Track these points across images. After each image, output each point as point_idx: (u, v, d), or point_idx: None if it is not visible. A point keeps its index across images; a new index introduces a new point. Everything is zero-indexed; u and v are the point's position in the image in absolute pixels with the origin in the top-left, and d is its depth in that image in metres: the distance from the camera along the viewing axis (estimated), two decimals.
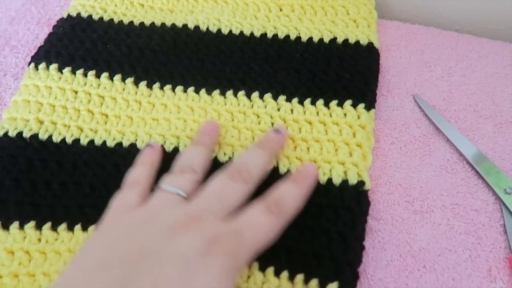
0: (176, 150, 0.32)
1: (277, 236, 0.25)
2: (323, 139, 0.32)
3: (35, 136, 0.33)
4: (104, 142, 0.33)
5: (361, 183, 0.29)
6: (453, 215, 0.30)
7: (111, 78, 0.36)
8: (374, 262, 0.28)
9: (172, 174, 0.28)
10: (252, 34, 0.37)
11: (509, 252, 0.28)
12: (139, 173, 0.29)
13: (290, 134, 0.32)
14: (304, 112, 0.33)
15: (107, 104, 0.34)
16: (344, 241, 0.27)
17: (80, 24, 0.39)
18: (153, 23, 0.39)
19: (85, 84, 0.35)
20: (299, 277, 0.26)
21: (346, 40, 0.36)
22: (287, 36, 0.37)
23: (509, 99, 0.35)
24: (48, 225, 0.29)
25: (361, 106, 0.33)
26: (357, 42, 0.36)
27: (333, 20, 0.38)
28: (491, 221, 0.30)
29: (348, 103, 0.33)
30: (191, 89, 0.35)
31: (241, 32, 0.37)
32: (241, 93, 0.34)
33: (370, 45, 0.36)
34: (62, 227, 0.29)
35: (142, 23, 0.39)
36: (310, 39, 0.37)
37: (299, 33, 0.37)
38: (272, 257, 0.27)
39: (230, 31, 0.38)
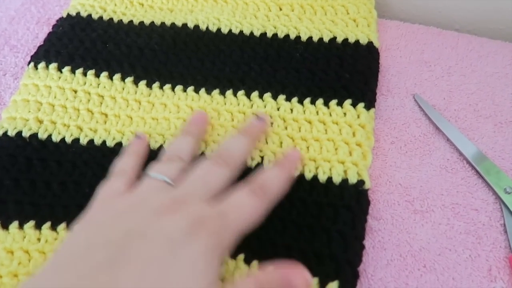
0: None
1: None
2: (322, 138, 0.31)
3: (34, 136, 0.33)
4: (104, 142, 0.33)
5: (361, 182, 0.29)
6: (453, 214, 0.30)
7: (110, 77, 0.36)
8: (374, 262, 0.28)
9: (160, 162, 0.29)
10: (251, 33, 0.37)
11: (509, 252, 0.28)
12: (125, 162, 0.30)
13: (289, 133, 0.32)
14: (304, 112, 0.33)
15: (106, 104, 0.34)
16: (344, 240, 0.27)
17: (80, 24, 0.39)
18: (152, 22, 0.39)
19: (85, 83, 0.35)
20: None
21: (345, 40, 0.36)
22: (287, 36, 0.37)
23: (509, 98, 0.35)
24: (47, 224, 0.29)
25: (360, 105, 0.33)
26: (357, 42, 0.36)
27: (332, 19, 0.38)
28: (491, 220, 0.30)
29: (347, 102, 0.33)
30: (190, 89, 0.35)
31: (241, 32, 0.37)
32: (240, 93, 0.34)
33: (370, 44, 0.36)
34: (62, 226, 0.29)
35: (141, 23, 0.39)
36: (310, 38, 0.37)
37: (298, 33, 0.37)
38: (271, 255, 0.27)
39: (230, 31, 0.38)
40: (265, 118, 0.32)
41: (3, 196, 0.30)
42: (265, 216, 0.26)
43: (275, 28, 0.37)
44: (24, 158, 0.32)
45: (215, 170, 0.27)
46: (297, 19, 0.38)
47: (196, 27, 0.38)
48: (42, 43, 0.38)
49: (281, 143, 0.32)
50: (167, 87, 0.35)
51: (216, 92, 0.34)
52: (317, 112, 0.33)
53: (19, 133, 0.33)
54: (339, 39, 0.36)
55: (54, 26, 0.39)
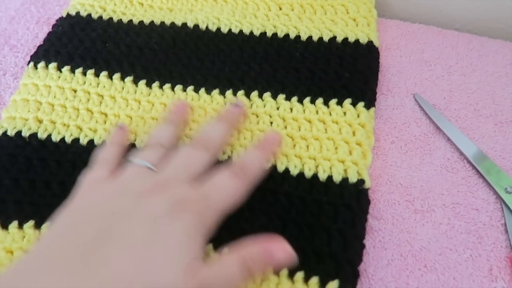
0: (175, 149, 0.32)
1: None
2: (322, 138, 0.31)
3: (34, 135, 0.33)
4: (104, 142, 0.32)
5: (361, 181, 0.29)
6: (453, 214, 0.30)
7: (110, 77, 0.36)
8: (375, 262, 0.28)
9: (141, 150, 0.30)
10: (251, 33, 0.37)
11: (510, 251, 0.28)
12: (107, 152, 0.30)
13: (289, 132, 0.32)
14: (304, 111, 0.33)
15: (106, 103, 0.34)
16: (344, 239, 0.27)
17: (79, 23, 0.39)
18: (152, 22, 0.39)
19: (84, 83, 0.35)
20: (299, 275, 0.26)
21: (345, 39, 0.36)
22: (287, 35, 0.37)
23: (510, 98, 0.35)
24: (47, 224, 0.29)
25: (360, 104, 0.32)
26: (357, 41, 0.36)
27: (332, 19, 0.38)
28: (492, 220, 0.29)
29: (347, 101, 0.33)
30: (190, 88, 0.35)
31: (241, 31, 0.37)
32: (240, 93, 0.34)
33: (370, 43, 0.36)
34: None
35: (141, 22, 0.39)
36: (310, 38, 0.36)
37: (298, 32, 0.37)
38: None
39: (230, 30, 0.37)
40: (242, 105, 0.33)
41: (2, 196, 0.30)
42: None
43: (274, 27, 0.37)
44: (24, 158, 0.32)
45: (195, 154, 0.28)
46: (297, 19, 0.38)
47: (196, 26, 0.38)
48: (41, 43, 0.38)
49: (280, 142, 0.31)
50: (167, 86, 0.35)
51: (216, 92, 0.34)
52: (317, 112, 0.33)
53: (18, 133, 0.33)
54: (339, 39, 0.36)
55: (54, 26, 0.39)
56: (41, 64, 0.36)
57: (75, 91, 0.35)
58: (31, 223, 0.29)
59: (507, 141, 0.33)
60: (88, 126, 0.33)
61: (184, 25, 0.38)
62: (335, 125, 0.32)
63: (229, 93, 0.34)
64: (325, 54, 0.35)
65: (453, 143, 0.32)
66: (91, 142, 0.33)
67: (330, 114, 0.32)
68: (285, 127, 0.32)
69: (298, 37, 0.37)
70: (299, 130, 0.32)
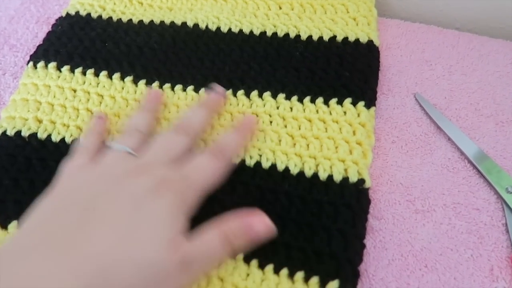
0: None
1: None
2: (322, 137, 0.31)
3: (34, 135, 0.33)
4: (103, 142, 0.32)
5: (361, 181, 0.29)
6: (454, 214, 0.30)
7: (110, 76, 0.35)
8: (376, 262, 0.28)
9: (120, 137, 0.30)
10: (251, 32, 0.37)
11: (511, 251, 0.28)
12: (87, 140, 0.31)
13: (289, 131, 0.32)
14: (304, 110, 0.33)
15: (106, 103, 0.34)
16: (344, 239, 0.27)
17: (79, 23, 0.39)
18: (152, 21, 0.39)
19: (84, 82, 0.35)
20: (299, 275, 0.26)
21: (345, 38, 0.36)
22: (287, 34, 0.37)
23: (510, 97, 0.35)
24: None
25: (361, 104, 0.32)
26: (357, 40, 0.36)
27: (332, 18, 0.38)
28: (492, 220, 0.29)
29: (348, 101, 0.33)
30: (190, 88, 0.34)
31: (240, 30, 0.37)
32: (240, 92, 0.34)
33: (370, 43, 0.36)
34: None
35: (141, 21, 0.39)
36: (310, 37, 0.36)
37: (298, 31, 0.37)
38: (271, 254, 0.26)
39: (229, 29, 0.37)
40: (222, 91, 0.33)
41: (2, 196, 0.30)
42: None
43: (274, 27, 0.37)
44: (23, 157, 0.32)
45: (175, 138, 0.29)
46: (296, 18, 0.38)
47: (196, 26, 0.38)
48: (41, 42, 0.38)
49: (280, 141, 0.31)
50: (167, 86, 0.35)
51: None
52: (317, 111, 0.33)
53: (18, 133, 0.33)
54: (339, 38, 0.36)
55: (53, 25, 0.39)
56: (41, 64, 0.36)
57: (74, 91, 0.35)
58: None
59: (508, 141, 0.33)
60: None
61: (184, 24, 0.38)
62: (335, 125, 0.32)
63: (229, 93, 0.34)
64: (325, 53, 0.35)
65: (454, 143, 0.32)
66: None
67: (330, 114, 0.32)
68: (285, 126, 0.32)
69: (298, 36, 0.37)
70: (299, 129, 0.32)
